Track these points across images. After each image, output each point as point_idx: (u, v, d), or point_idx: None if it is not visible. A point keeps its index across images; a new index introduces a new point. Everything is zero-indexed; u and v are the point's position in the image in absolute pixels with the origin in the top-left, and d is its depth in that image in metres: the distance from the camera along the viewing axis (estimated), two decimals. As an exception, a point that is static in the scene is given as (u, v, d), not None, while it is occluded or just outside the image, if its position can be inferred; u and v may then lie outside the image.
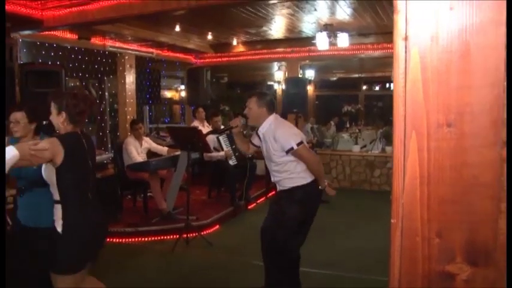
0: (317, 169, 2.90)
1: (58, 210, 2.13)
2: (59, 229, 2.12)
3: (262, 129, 2.98)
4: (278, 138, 2.86)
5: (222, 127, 6.21)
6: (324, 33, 6.12)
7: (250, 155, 5.99)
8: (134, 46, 6.75)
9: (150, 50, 7.11)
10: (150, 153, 5.58)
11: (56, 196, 2.13)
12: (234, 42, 7.50)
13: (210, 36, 7.02)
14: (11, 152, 1.85)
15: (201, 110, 6.57)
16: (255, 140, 3.18)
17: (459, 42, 0.74)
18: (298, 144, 2.84)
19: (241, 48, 7.79)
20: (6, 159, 1.81)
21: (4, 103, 2.18)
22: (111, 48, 6.33)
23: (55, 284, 2.18)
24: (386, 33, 6.67)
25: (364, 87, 13.56)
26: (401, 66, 0.75)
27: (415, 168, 0.75)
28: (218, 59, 8.24)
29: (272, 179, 3.06)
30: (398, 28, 0.75)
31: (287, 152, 2.85)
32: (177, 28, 6.19)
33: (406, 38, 0.74)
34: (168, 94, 11.92)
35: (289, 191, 2.94)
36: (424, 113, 0.75)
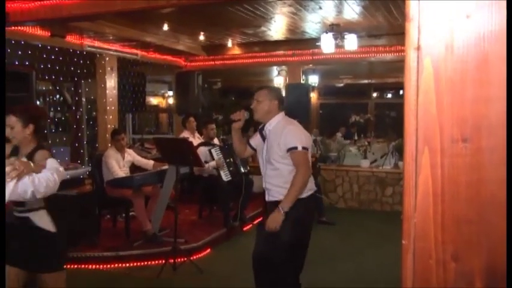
0: (299, 184, 2.90)
1: (45, 214, 2.74)
2: (53, 230, 2.73)
3: (270, 126, 3.06)
4: (287, 133, 2.94)
5: (216, 142, 6.36)
6: (330, 35, 6.22)
7: (243, 171, 6.04)
8: (116, 46, 6.82)
9: (134, 51, 7.19)
10: (134, 168, 5.61)
11: (41, 203, 2.70)
12: (229, 44, 7.60)
13: (202, 37, 7.11)
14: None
15: (191, 119, 6.63)
16: (254, 141, 3.24)
17: (476, 51, 0.79)
18: (303, 148, 2.92)
19: (236, 51, 7.89)
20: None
21: (4, 103, 2.33)
22: (89, 48, 6.37)
23: (55, 283, 2.75)
24: (400, 34, 6.79)
25: (375, 95, 13.70)
26: (413, 77, 0.80)
27: (427, 185, 0.79)
28: (211, 63, 8.33)
29: (264, 185, 3.11)
30: (410, 37, 0.80)
31: (288, 150, 2.92)
32: (165, 27, 6.27)
33: (418, 48, 0.79)
34: (154, 101, 11.98)
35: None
36: (437, 126, 0.79)
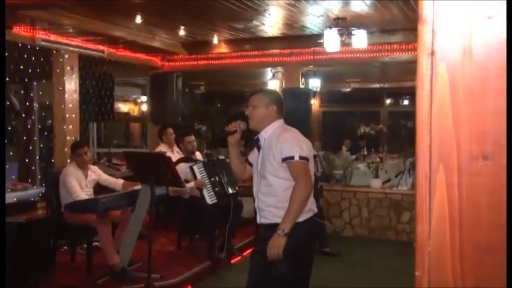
0: (299, 199, 2.95)
1: None
2: None
3: (265, 134, 3.13)
4: (283, 141, 3.01)
5: (199, 157, 6.40)
6: (334, 30, 6.32)
7: (231, 192, 6.07)
8: (77, 41, 6.84)
9: (100, 47, 7.22)
10: (99, 188, 5.61)
11: None
12: (215, 41, 7.69)
13: (182, 32, 7.18)
14: None
15: (169, 130, 6.68)
16: (253, 157, 3.29)
17: (498, 57, 0.84)
18: (301, 158, 2.97)
19: (223, 49, 7.98)
20: None
21: (4, 103, 2.35)
22: (43, 43, 6.33)
23: None
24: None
25: (388, 102, 13.86)
26: (427, 87, 0.85)
27: (443, 209, 0.84)
28: (193, 63, 8.41)
29: (255, 204, 3.17)
30: (423, 41, 0.86)
31: (284, 160, 2.98)
32: (138, 19, 6.33)
33: (432, 53, 0.85)
34: (124, 108, 12.02)
35: (276, 228, 3.00)
36: (453, 142, 0.84)
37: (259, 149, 3.18)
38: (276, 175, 3.02)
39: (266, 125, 3.13)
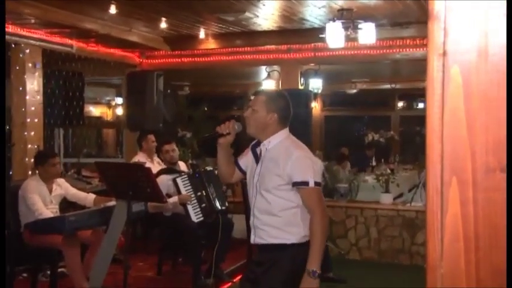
0: (321, 233, 3.03)
1: None
2: None
3: (268, 144, 3.16)
4: (295, 161, 3.04)
5: (183, 168, 6.39)
6: (338, 23, 6.36)
7: (220, 208, 6.08)
8: (41, 34, 6.83)
9: (68, 41, 7.22)
10: (66, 204, 5.60)
11: None
12: (201, 35, 7.71)
13: (164, 24, 7.17)
14: None
15: (149, 137, 6.71)
16: (244, 161, 3.34)
17: (518, 58, 0.88)
18: (316, 184, 3.03)
19: (211, 44, 8.01)
20: None
21: (4, 103, 2.42)
22: (-1, 36, 6.37)
23: None
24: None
25: (400, 105, 13.93)
26: (438, 91, 0.88)
27: (457, 228, 0.87)
28: (176, 60, 8.43)
29: (250, 221, 3.21)
30: (434, 40, 0.89)
31: (295, 184, 3.02)
32: (113, 9, 6.32)
33: (444, 54, 0.88)
34: (95, 111, 12.00)
35: (273, 251, 3.05)
36: (468, 153, 0.87)
37: (257, 159, 3.21)
38: (277, 194, 3.06)
39: (269, 134, 3.17)
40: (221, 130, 3.20)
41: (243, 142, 3.47)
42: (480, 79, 0.89)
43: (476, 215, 0.88)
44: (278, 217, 3.06)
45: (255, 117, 3.16)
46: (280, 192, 3.06)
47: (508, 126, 0.86)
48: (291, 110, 3.28)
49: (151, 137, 6.70)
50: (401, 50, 7.53)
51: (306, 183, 3.00)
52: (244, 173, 3.38)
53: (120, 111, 11.38)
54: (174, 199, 5.80)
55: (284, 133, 3.19)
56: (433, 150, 0.90)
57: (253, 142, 3.29)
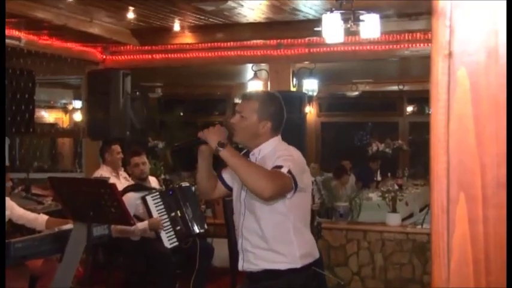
0: (255, 171, 2.99)
1: None
2: None
3: (258, 153, 3.22)
4: (278, 156, 3.08)
5: (154, 184, 6.35)
6: (337, 15, 6.38)
7: (198, 231, 6.08)
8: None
9: (15, 33, 7.11)
10: (12, 228, 5.55)
11: None
12: (176, 27, 7.71)
13: (131, 14, 7.15)
14: None
15: (114, 147, 6.68)
16: (229, 175, 3.37)
17: (531, 60, 0.91)
18: (289, 173, 2.99)
19: (188, 39, 8.02)
20: None
21: (4, 103, 2.48)
22: None
23: None
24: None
25: (410, 109, 14.00)
26: (442, 96, 0.92)
27: (465, 249, 0.90)
28: (146, 57, 8.42)
29: (238, 244, 3.23)
30: (438, 40, 0.92)
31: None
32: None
33: (450, 55, 0.91)
34: (49, 117, 11.95)
35: (265, 279, 3.08)
36: (477, 166, 0.90)
37: None
38: (266, 209, 3.11)
39: (260, 142, 3.23)
40: (203, 136, 3.20)
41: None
42: (490, 82, 0.91)
43: (486, 234, 0.90)
44: (269, 236, 3.11)
45: (245, 125, 3.20)
46: (269, 206, 3.10)
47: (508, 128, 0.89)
48: (284, 114, 3.34)
49: (117, 148, 6.68)
50: (410, 45, 7.53)
51: (279, 167, 3.00)
52: (229, 188, 3.42)
53: (78, 116, 11.31)
54: (143, 225, 5.78)
55: (275, 141, 3.25)
56: (437, 162, 0.92)
57: (243, 152, 3.32)
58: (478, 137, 0.91)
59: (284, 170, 3.00)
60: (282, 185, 3.01)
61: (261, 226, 3.13)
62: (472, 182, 0.91)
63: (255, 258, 3.14)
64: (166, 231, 5.88)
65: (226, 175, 3.41)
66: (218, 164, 3.53)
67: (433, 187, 0.93)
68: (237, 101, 13.07)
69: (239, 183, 3.25)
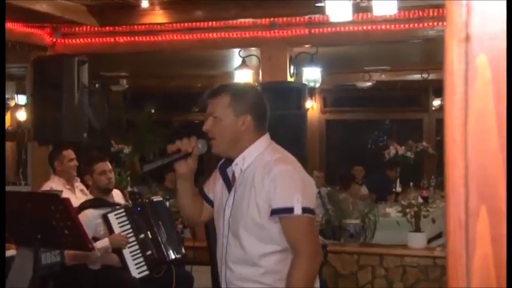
0: (304, 283, 3.04)
1: None
2: None
3: (242, 163, 3.21)
4: (276, 178, 3.08)
5: (119, 199, 6.33)
6: (344, -12, 6.41)
7: (174, 257, 6.08)
8: None
9: None
10: None
11: None
12: (144, 4, 7.69)
13: (88, -12, 7.18)
14: None
15: (65, 154, 6.67)
16: (212, 190, 3.40)
17: None
18: (305, 211, 3.05)
19: (159, 18, 7.98)
20: None
21: (4, 103, 2.55)
22: None
23: None
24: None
25: (436, 103, 13.93)
26: (459, 88, 0.93)
27: (488, 272, 0.91)
28: (108, 40, 8.39)
29: (221, 276, 3.25)
30: (453, 21, 0.94)
31: (274, 212, 3.07)
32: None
33: (467, 39, 0.93)
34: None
35: None
36: (501, 172, 0.91)
37: (228, 184, 3.27)
38: (256, 233, 3.12)
39: (243, 147, 3.22)
40: (173, 149, 3.23)
41: (210, 165, 3.54)
42: (515, 72, 0.92)
43: (512, 255, 0.92)
44: (259, 267, 3.12)
45: (220, 127, 3.21)
46: (259, 230, 3.11)
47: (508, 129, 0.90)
48: (266, 104, 3.34)
49: (69, 154, 6.67)
50: (435, 23, 7.46)
51: (289, 210, 3.04)
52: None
53: (22, 115, 11.31)
54: (103, 243, 5.75)
55: (262, 143, 3.25)
56: (454, 169, 0.94)
57: (221, 161, 3.35)
58: (502, 138, 0.92)
59: (298, 212, 3.03)
60: (313, 239, 3.13)
61: (248, 254, 3.14)
62: (495, 193, 0.92)
63: None
64: (134, 257, 5.86)
65: (210, 191, 3.44)
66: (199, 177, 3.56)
67: (449, 199, 0.95)
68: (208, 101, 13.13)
69: (220, 199, 3.28)
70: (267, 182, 3.06)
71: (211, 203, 3.43)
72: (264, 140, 3.26)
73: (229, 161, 3.29)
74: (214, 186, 3.39)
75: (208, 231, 5.03)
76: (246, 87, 3.37)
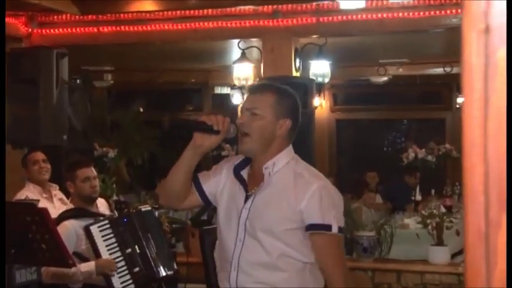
0: None
1: None
2: None
3: (272, 167, 3.32)
4: (315, 195, 3.22)
5: (104, 208, 6.33)
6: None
7: (165, 274, 6.10)
8: None
9: None
10: None
11: None
12: (132, -9, 7.74)
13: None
14: None
15: (33, 156, 6.74)
16: (213, 185, 3.49)
17: None
18: (340, 230, 3.23)
19: (148, 5, 7.96)
20: None
21: (4, 103, 2.64)
22: None
23: None
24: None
25: (461, 100, 13.91)
26: (478, 86, 0.94)
27: None
28: (90, 30, 8.40)
29: (231, 281, 3.29)
30: (471, 11, 0.95)
31: (310, 228, 3.19)
32: None
33: (486, 30, 0.94)
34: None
35: None
36: None
37: (245, 185, 3.36)
38: (284, 239, 3.23)
39: (274, 152, 3.34)
40: (209, 121, 3.29)
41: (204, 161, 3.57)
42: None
43: (538, 270, 0.93)
44: (283, 272, 3.22)
45: (259, 125, 3.30)
46: (288, 237, 3.22)
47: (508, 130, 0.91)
48: (300, 112, 3.48)
49: (36, 156, 6.76)
50: (458, 10, 7.48)
51: (327, 227, 3.17)
52: (206, 201, 3.51)
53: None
54: (87, 266, 5.73)
55: (290, 152, 3.39)
56: (472, 174, 0.95)
57: (236, 162, 3.43)
58: (526, 141, 0.94)
59: (334, 230, 3.20)
60: (344, 262, 3.37)
61: (270, 258, 3.24)
62: (519, 200, 0.94)
63: None
64: (120, 275, 5.85)
65: (207, 184, 3.49)
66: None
67: (467, 207, 0.96)
68: (218, 91, 13.12)
69: (234, 200, 3.35)
70: (307, 196, 3.19)
71: (203, 194, 3.49)
72: (291, 150, 3.40)
73: (245, 163, 3.39)
74: (217, 182, 3.47)
75: (204, 245, 5.05)
76: (290, 91, 3.44)
